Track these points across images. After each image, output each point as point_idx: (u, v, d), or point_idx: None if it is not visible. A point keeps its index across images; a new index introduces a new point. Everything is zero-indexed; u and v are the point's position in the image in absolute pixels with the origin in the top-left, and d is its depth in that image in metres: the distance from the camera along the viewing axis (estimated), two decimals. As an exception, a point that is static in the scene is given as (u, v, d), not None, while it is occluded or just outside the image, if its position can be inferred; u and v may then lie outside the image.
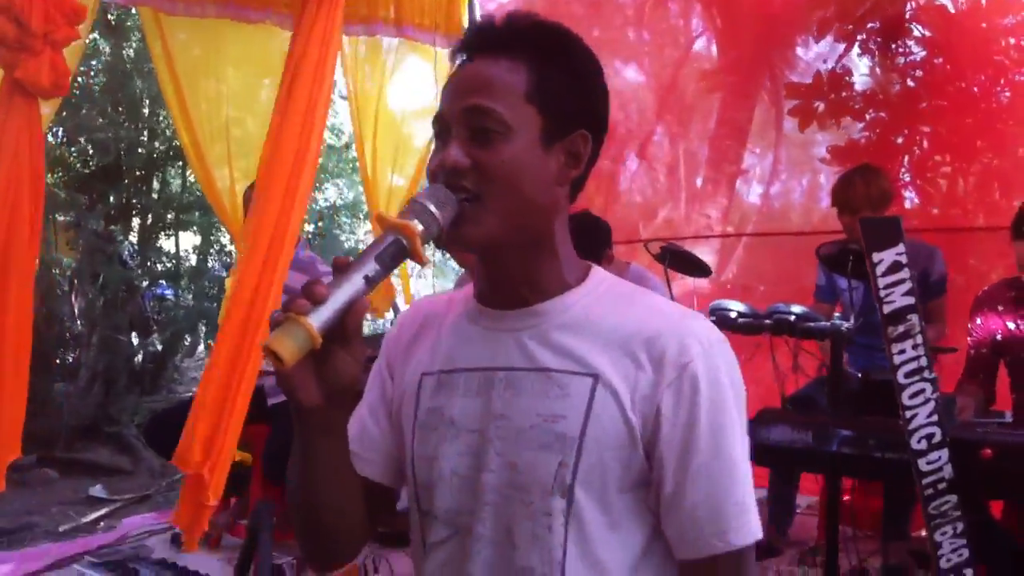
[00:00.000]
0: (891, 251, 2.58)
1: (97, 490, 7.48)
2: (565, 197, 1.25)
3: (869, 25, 5.17)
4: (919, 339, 2.58)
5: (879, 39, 5.08)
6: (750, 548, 1.18)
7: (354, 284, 1.04)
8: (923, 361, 2.58)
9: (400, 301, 6.20)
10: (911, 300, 2.58)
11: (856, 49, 5.28)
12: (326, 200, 12.37)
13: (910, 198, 5.27)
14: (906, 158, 5.30)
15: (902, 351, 2.59)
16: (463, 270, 4.76)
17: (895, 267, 2.59)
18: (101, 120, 9.11)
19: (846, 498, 4.63)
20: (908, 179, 5.28)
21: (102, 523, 6.09)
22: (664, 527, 1.21)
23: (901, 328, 2.58)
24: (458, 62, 1.25)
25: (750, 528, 1.18)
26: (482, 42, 1.22)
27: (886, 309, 2.60)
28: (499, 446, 1.19)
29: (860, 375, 3.49)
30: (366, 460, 1.31)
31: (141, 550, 4.23)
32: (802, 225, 5.59)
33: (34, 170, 3.83)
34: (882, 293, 2.60)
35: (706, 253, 6.08)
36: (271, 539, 3.54)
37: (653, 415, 1.16)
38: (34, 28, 3.65)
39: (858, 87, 5.38)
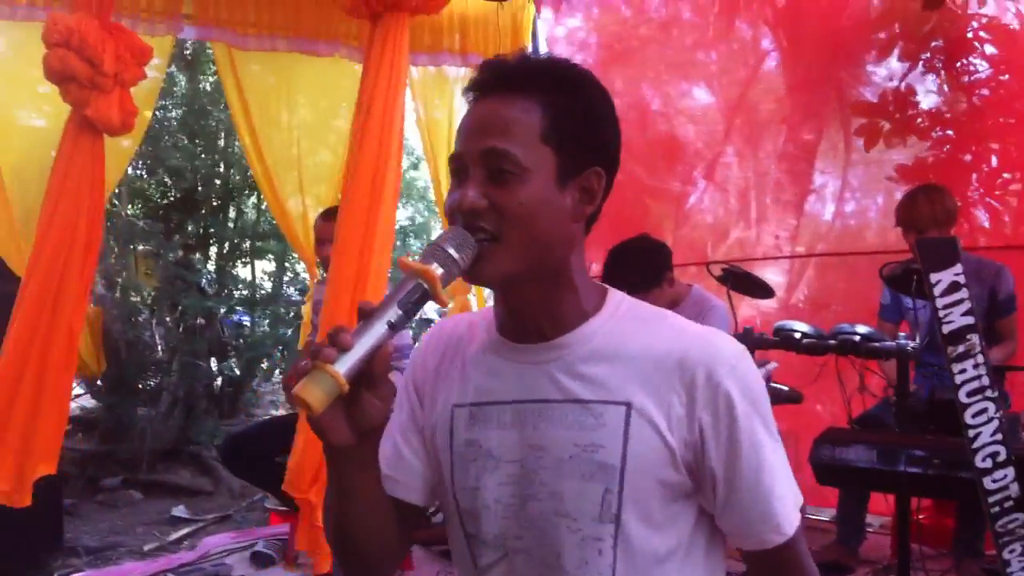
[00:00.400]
0: (949, 271, 2.60)
1: (179, 511, 7.69)
2: (580, 231, 1.29)
3: (933, 44, 5.15)
4: (980, 358, 2.59)
5: (943, 57, 5.06)
6: (801, 527, 1.28)
7: (378, 330, 1.09)
8: (985, 380, 2.59)
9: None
10: (971, 320, 2.59)
11: (920, 67, 5.26)
12: (397, 223, 12.57)
13: (979, 216, 5.22)
14: (974, 176, 5.26)
15: (963, 370, 2.60)
16: None
17: (953, 287, 2.60)
18: (179, 152, 9.40)
19: (920, 517, 4.62)
20: (977, 197, 5.23)
21: (185, 542, 6.26)
22: (721, 525, 1.30)
23: (961, 348, 2.59)
24: (472, 99, 1.27)
25: (796, 514, 1.29)
26: (497, 81, 1.24)
27: (945, 329, 2.61)
28: (542, 476, 1.24)
29: (927, 395, 3.49)
30: (400, 483, 1.37)
31: (221, 568, 4.36)
32: (872, 245, 5.56)
33: (94, 203, 4.01)
34: (941, 313, 2.62)
35: (775, 274, 6.09)
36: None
37: (696, 436, 1.23)
38: (106, 68, 3.83)
39: (923, 106, 5.36)
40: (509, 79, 1.24)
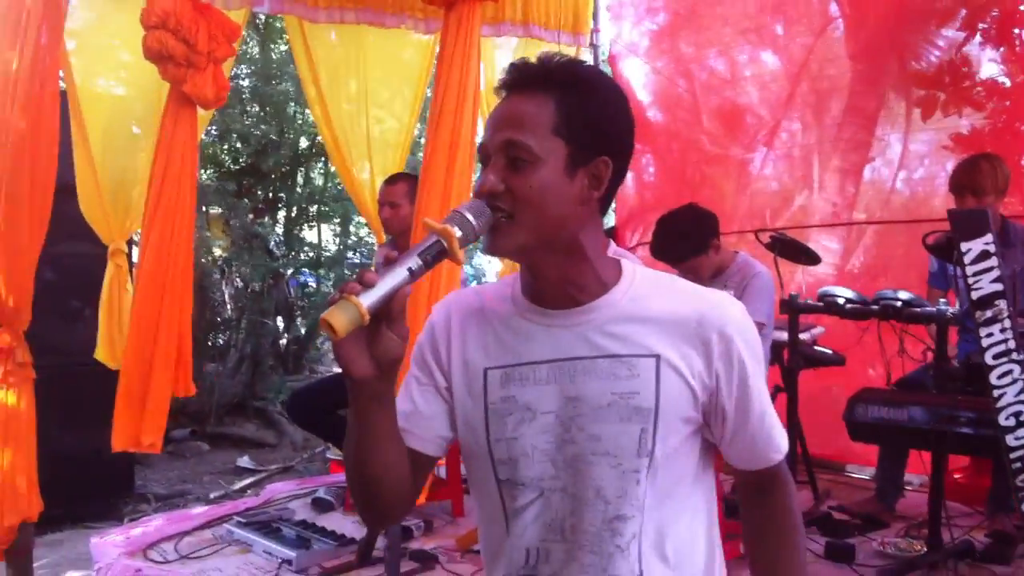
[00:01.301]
0: (979, 240, 2.70)
1: (244, 461, 8.01)
2: (592, 213, 1.45)
3: (992, 14, 5.15)
4: (1007, 323, 2.69)
5: (999, 27, 5.06)
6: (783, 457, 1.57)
7: (399, 274, 1.25)
8: (1011, 344, 2.69)
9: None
10: (999, 287, 2.69)
11: (978, 38, 5.26)
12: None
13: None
14: (1030, 146, 5.27)
15: (990, 334, 2.71)
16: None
17: (983, 255, 2.70)
18: (250, 119, 9.66)
19: (957, 476, 4.71)
20: (1032, 167, 5.24)
21: (249, 491, 6.54)
22: (727, 453, 1.53)
23: (989, 313, 2.70)
24: (500, 96, 1.45)
25: (785, 438, 1.56)
26: (518, 80, 1.43)
27: (974, 295, 2.72)
28: (579, 422, 1.43)
29: (964, 358, 3.58)
30: (415, 435, 1.51)
31: (284, 512, 4.56)
32: (930, 213, 5.58)
33: (192, 173, 4.34)
34: (971, 280, 2.72)
35: (831, 241, 6.15)
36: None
37: (713, 383, 1.44)
38: (200, 47, 4.10)
39: (980, 76, 5.37)
40: (529, 79, 1.42)
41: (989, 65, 5.35)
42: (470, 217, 1.34)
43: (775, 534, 1.59)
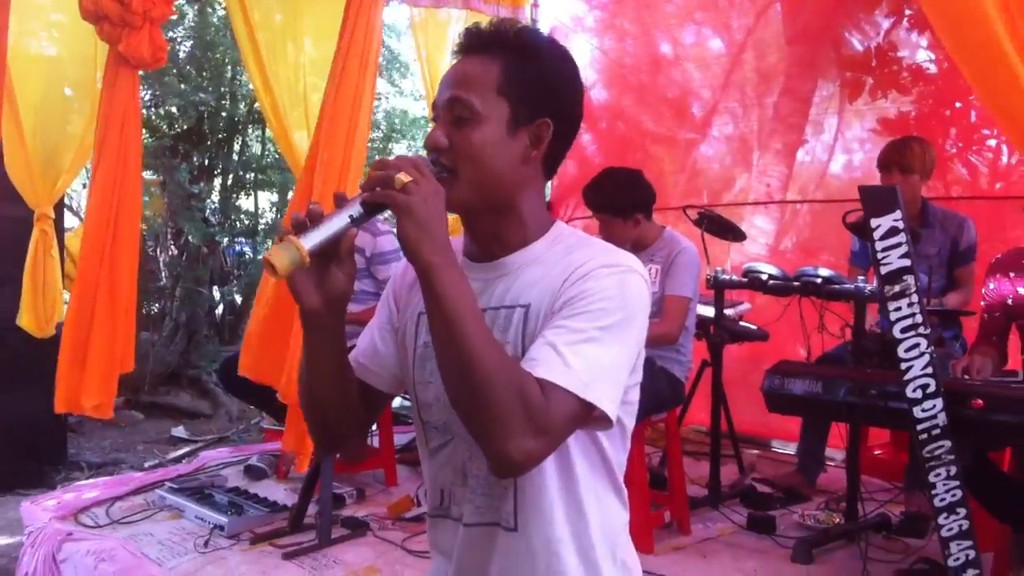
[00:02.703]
0: (888, 217, 2.79)
1: (179, 431, 7.99)
2: (534, 173, 1.49)
3: (918, -2, 5.28)
4: (914, 298, 2.79)
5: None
6: (561, 390, 1.28)
7: (341, 219, 1.30)
8: (918, 318, 2.79)
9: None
10: (907, 262, 2.79)
11: (905, 23, 5.40)
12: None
13: (957, 168, 5.40)
14: (953, 130, 5.43)
15: (898, 308, 2.80)
16: None
17: (892, 231, 2.80)
18: (185, 85, 9.54)
19: (877, 452, 4.88)
20: (955, 151, 5.41)
21: (184, 461, 6.53)
22: None
23: (897, 287, 2.79)
24: (453, 60, 1.51)
25: (548, 369, 1.28)
26: (471, 44, 1.48)
27: (883, 270, 2.81)
28: None
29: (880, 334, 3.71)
30: (371, 371, 1.60)
31: (216, 479, 4.57)
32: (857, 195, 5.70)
33: (136, 133, 4.34)
34: (880, 255, 2.81)
35: (765, 222, 6.28)
36: (332, 469, 3.91)
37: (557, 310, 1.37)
38: (135, 6, 4.09)
39: (907, 61, 5.51)
40: (478, 42, 1.48)
41: (916, 50, 5.50)
42: None
43: None
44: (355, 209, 1.31)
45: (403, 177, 1.28)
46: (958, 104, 5.39)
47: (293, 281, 1.35)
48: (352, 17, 4.04)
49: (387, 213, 1.37)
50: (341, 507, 4.21)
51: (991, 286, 3.57)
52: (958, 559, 2.85)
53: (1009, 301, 3.51)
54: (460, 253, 1.55)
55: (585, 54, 6.65)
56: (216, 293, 10.25)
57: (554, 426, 1.27)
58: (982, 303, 3.64)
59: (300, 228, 1.29)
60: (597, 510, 1.46)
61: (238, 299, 10.48)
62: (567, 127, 1.50)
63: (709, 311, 4.45)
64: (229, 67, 10.03)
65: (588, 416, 1.31)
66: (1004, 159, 5.23)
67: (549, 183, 4.45)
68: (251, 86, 9.89)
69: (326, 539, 3.77)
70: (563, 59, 1.51)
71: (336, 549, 3.74)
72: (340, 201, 1.34)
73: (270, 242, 10.21)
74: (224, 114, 10.17)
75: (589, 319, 1.33)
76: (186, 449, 7.45)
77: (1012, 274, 3.51)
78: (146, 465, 6.78)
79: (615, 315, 1.34)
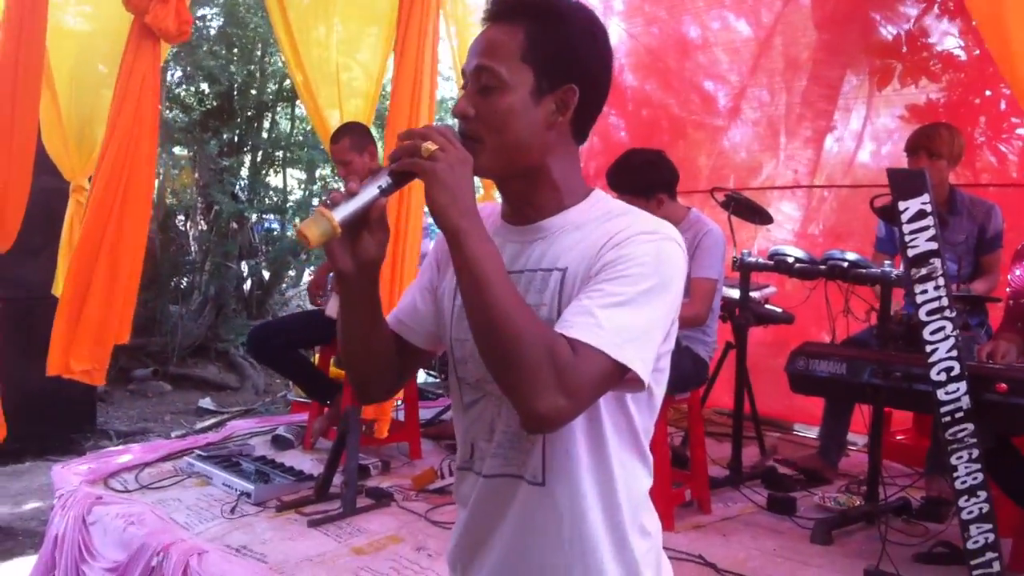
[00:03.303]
0: (916, 200, 2.80)
1: (206, 402, 8.10)
2: (561, 138, 1.48)
3: (949, -15, 5.26)
4: (940, 281, 2.80)
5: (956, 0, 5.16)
6: (594, 350, 1.28)
7: (370, 191, 1.36)
8: (944, 301, 2.80)
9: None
10: (934, 245, 2.80)
11: (935, 10, 5.38)
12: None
13: (986, 155, 5.39)
14: (983, 119, 5.41)
15: (924, 291, 2.82)
16: None
17: (920, 214, 2.81)
18: (216, 61, 9.60)
19: (900, 437, 4.89)
20: (984, 139, 5.39)
21: (211, 431, 6.61)
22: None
23: (924, 270, 2.81)
24: (481, 28, 1.53)
25: (595, 332, 1.28)
26: (497, 11, 1.49)
27: (910, 253, 2.82)
28: None
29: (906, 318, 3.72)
30: (409, 327, 1.65)
31: (244, 448, 4.64)
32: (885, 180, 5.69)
33: (153, 106, 4.37)
34: (907, 238, 2.82)
35: (792, 208, 6.28)
36: (358, 440, 3.96)
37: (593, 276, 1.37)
38: (164, -23, 4.11)
39: (938, 48, 5.49)
40: (504, 9, 1.49)
41: (946, 37, 5.47)
42: None
43: None
44: (384, 180, 1.37)
45: (430, 145, 1.32)
46: (988, 92, 5.37)
47: (329, 247, 1.41)
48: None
49: None
50: (366, 478, 4.26)
51: (1017, 272, 3.57)
52: (977, 542, 2.87)
53: None
54: (497, 216, 1.59)
55: (613, 37, 6.64)
56: (244, 268, 10.34)
57: (584, 385, 1.29)
58: (1008, 289, 3.64)
59: (333, 202, 1.35)
60: (623, 473, 1.47)
61: (266, 274, 10.58)
62: (594, 92, 1.50)
63: (734, 293, 4.47)
64: (260, 45, 10.07)
65: (620, 378, 1.33)
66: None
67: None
68: (281, 64, 10.03)
69: (351, 508, 3.82)
70: (589, 23, 1.50)
71: (360, 518, 3.80)
72: (373, 174, 1.39)
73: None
74: (254, 92, 10.24)
75: (625, 283, 1.33)
76: (213, 420, 7.55)
77: None
78: (173, 435, 6.88)
79: (651, 280, 1.34)
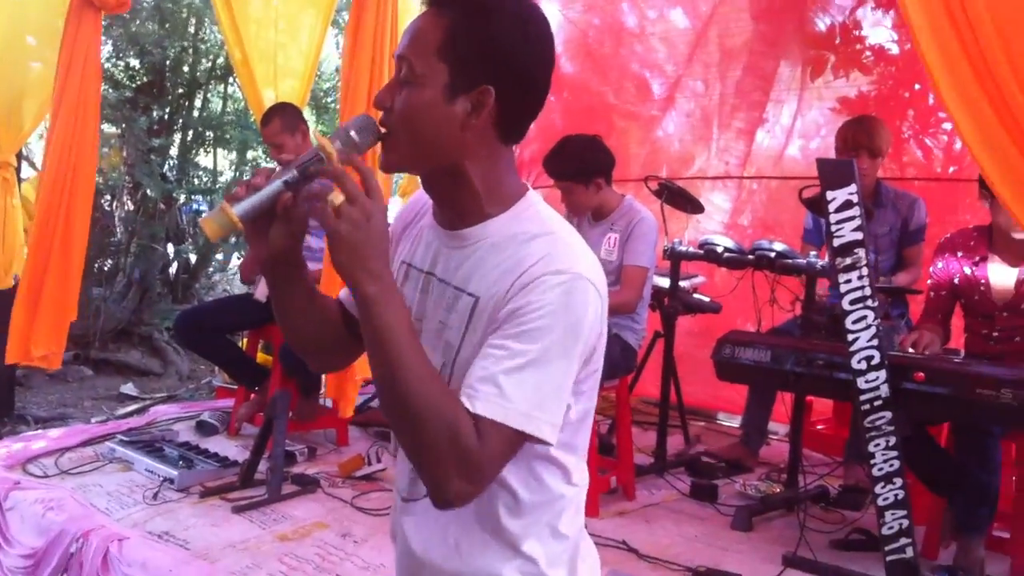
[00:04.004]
0: (844, 190, 2.84)
1: (128, 388, 7.94)
2: (481, 141, 1.39)
3: (883, -21, 5.33)
4: (864, 271, 2.84)
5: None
6: (495, 423, 1.25)
7: (275, 185, 1.34)
8: (867, 291, 2.85)
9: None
10: (859, 236, 2.84)
11: (871, 3, 5.45)
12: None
13: (912, 149, 5.49)
14: (911, 112, 5.51)
15: (848, 280, 2.86)
16: None
17: (847, 205, 2.85)
18: (149, 36, 9.39)
19: (820, 427, 4.98)
20: (911, 133, 5.49)
21: (132, 417, 6.49)
22: None
23: (848, 260, 2.85)
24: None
25: (500, 406, 1.25)
26: (428, 1, 1.42)
27: (836, 242, 2.87)
28: (424, 337, 1.45)
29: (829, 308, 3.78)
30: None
31: (168, 433, 4.57)
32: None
33: (96, 81, 4.31)
34: (833, 228, 2.86)
35: (723, 200, 6.34)
36: (285, 426, 3.92)
37: (500, 320, 1.32)
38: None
39: (870, 41, 5.57)
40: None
41: (879, 30, 5.55)
42: (353, 132, 1.38)
43: None
44: (291, 175, 1.34)
45: (335, 199, 1.24)
46: (917, 86, 5.45)
47: (247, 237, 1.39)
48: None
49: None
50: (292, 464, 4.22)
51: (939, 265, 3.65)
52: (892, 528, 2.93)
53: (956, 280, 3.59)
54: (431, 211, 1.54)
55: (553, 23, 6.60)
56: (171, 251, 10.16)
57: (489, 466, 1.27)
58: (929, 282, 3.72)
59: (234, 197, 1.33)
60: (525, 485, 1.42)
61: (192, 258, 10.40)
62: (521, 94, 1.40)
63: (664, 282, 4.50)
64: (194, 21, 9.88)
65: (526, 439, 1.30)
66: (959, 143, 5.30)
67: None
68: (215, 41, 9.86)
69: (276, 494, 3.78)
70: (523, 20, 1.39)
71: (286, 504, 3.77)
72: (277, 173, 1.36)
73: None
74: (186, 69, 10.04)
75: (529, 339, 1.28)
76: (135, 406, 7.41)
77: (960, 254, 3.59)
78: (94, 420, 6.73)
79: (554, 331, 1.28)
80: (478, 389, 1.26)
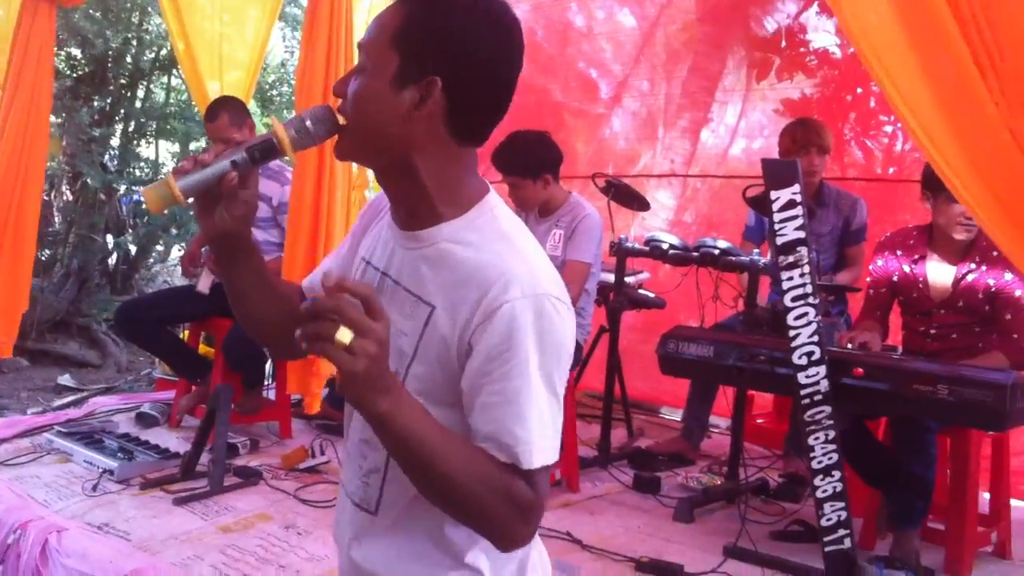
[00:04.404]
0: (788, 190, 2.90)
1: (65, 379, 7.81)
2: (430, 136, 1.35)
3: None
4: (806, 268, 2.90)
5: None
6: (533, 471, 1.27)
7: (222, 164, 1.33)
8: (808, 288, 2.90)
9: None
10: (802, 234, 2.90)
11: (815, 7, 5.55)
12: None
13: (853, 151, 5.61)
14: (852, 115, 5.62)
15: (791, 278, 2.92)
16: None
17: (790, 204, 2.90)
18: (91, 25, 9.24)
19: (760, 421, 5.06)
20: (852, 135, 5.60)
21: (70, 408, 6.40)
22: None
23: (791, 258, 2.91)
24: None
25: (527, 456, 1.26)
26: None
27: (779, 241, 2.92)
28: None
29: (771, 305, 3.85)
30: (317, 294, 1.55)
31: (107, 425, 4.50)
32: (759, 171, 5.85)
33: (48, 73, 4.27)
34: (777, 227, 2.92)
35: (668, 197, 6.40)
36: (228, 418, 3.89)
37: (466, 350, 1.30)
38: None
39: (814, 45, 5.67)
40: None
41: (823, 35, 5.66)
42: (308, 121, 1.37)
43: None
44: (239, 155, 1.34)
45: (343, 337, 1.11)
46: (859, 90, 5.57)
47: (196, 215, 1.39)
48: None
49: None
50: (234, 457, 4.19)
51: (879, 263, 3.73)
52: (831, 519, 2.99)
53: (895, 278, 3.67)
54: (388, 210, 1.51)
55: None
56: (110, 242, 10.01)
57: (543, 504, 1.31)
58: (868, 279, 3.80)
59: (181, 171, 1.32)
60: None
61: (133, 249, 10.25)
62: (468, 87, 1.35)
63: (610, 277, 4.54)
64: (136, 12, 9.74)
65: None
66: (899, 145, 5.43)
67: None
68: (159, 32, 9.72)
69: (218, 486, 3.75)
70: (484, 13, 1.35)
71: (228, 496, 3.74)
72: (228, 151, 1.35)
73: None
74: (129, 59, 9.90)
75: (519, 373, 1.27)
76: (73, 397, 7.30)
77: (899, 252, 3.67)
78: (30, 412, 6.62)
79: (546, 356, 1.29)
80: (515, 448, 1.26)
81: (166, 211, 1.35)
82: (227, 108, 4.51)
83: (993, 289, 3.45)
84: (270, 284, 1.53)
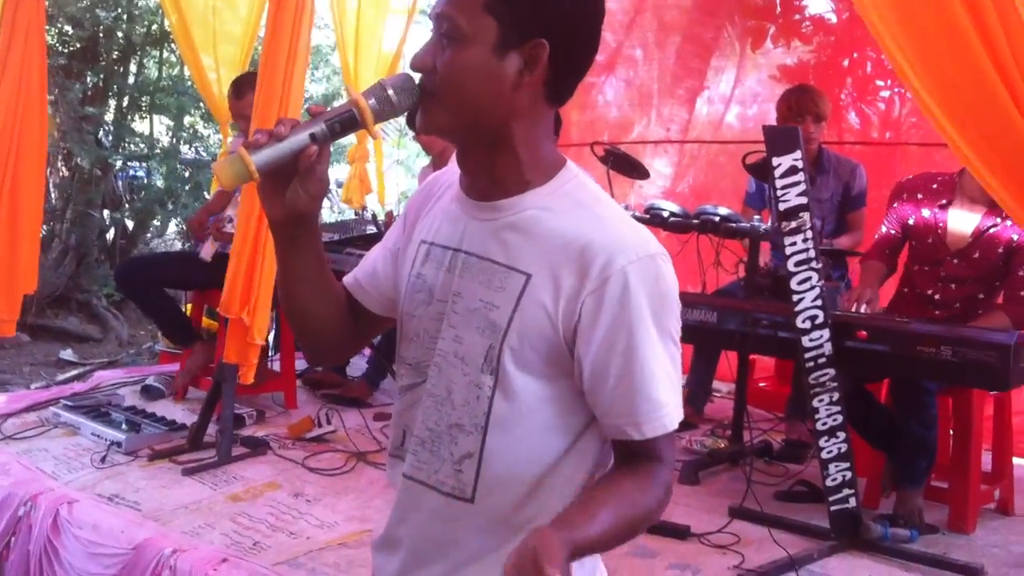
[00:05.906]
0: (789, 156, 2.92)
1: (67, 354, 7.83)
2: (531, 100, 1.32)
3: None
4: (808, 233, 2.93)
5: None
6: (664, 437, 1.31)
7: (300, 137, 1.26)
8: (811, 253, 2.94)
9: (373, 198, 6.52)
10: (804, 200, 2.93)
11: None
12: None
13: (850, 117, 5.62)
14: (849, 80, 5.63)
15: (793, 243, 2.95)
16: (426, 164, 5.07)
17: (792, 170, 2.93)
18: (81, 2, 9.19)
19: (762, 384, 5.10)
20: (849, 100, 5.61)
21: (74, 382, 6.41)
22: (589, 402, 1.34)
23: (793, 223, 2.94)
24: None
25: (662, 422, 1.29)
26: None
27: (781, 207, 2.95)
28: (453, 319, 1.38)
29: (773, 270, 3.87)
30: (363, 289, 1.54)
31: (113, 398, 4.53)
32: (756, 137, 5.86)
33: (41, 49, 4.24)
34: (779, 192, 2.95)
35: (664, 165, 6.41)
36: (234, 388, 3.92)
37: (575, 319, 1.28)
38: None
39: (810, 11, 5.67)
40: None
41: (818, 0, 5.66)
42: (390, 91, 1.30)
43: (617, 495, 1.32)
44: (318, 127, 1.27)
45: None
46: (855, 55, 5.59)
47: (260, 192, 1.33)
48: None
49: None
50: (241, 427, 4.21)
51: (895, 206, 3.76)
52: (836, 479, 3.04)
53: (911, 221, 3.68)
54: (457, 184, 1.45)
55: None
56: (108, 217, 10.00)
57: (672, 468, 1.38)
58: (885, 221, 3.82)
59: (254, 144, 1.26)
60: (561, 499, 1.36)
61: (130, 224, 10.25)
62: (570, 49, 1.32)
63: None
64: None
65: None
66: (896, 110, 5.44)
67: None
68: (150, 5, 9.67)
69: (226, 456, 3.79)
70: None
71: (236, 466, 3.77)
72: (313, 115, 1.29)
73: (166, 167, 10.01)
74: (120, 35, 9.84)
75: (650, 344, 1.28)
76: (74, 372, 7.33)
77: (920, 196, 3.68)
78: (33, 387, 6.64)
79: (660, 319, 1.29)
80: (640, 416, 1.29)
81: (234, 187, 1.29)
82: (255, 86, 4.46)
83: (1015, 244, 3.47)
84: (328, 274, 1.47)
